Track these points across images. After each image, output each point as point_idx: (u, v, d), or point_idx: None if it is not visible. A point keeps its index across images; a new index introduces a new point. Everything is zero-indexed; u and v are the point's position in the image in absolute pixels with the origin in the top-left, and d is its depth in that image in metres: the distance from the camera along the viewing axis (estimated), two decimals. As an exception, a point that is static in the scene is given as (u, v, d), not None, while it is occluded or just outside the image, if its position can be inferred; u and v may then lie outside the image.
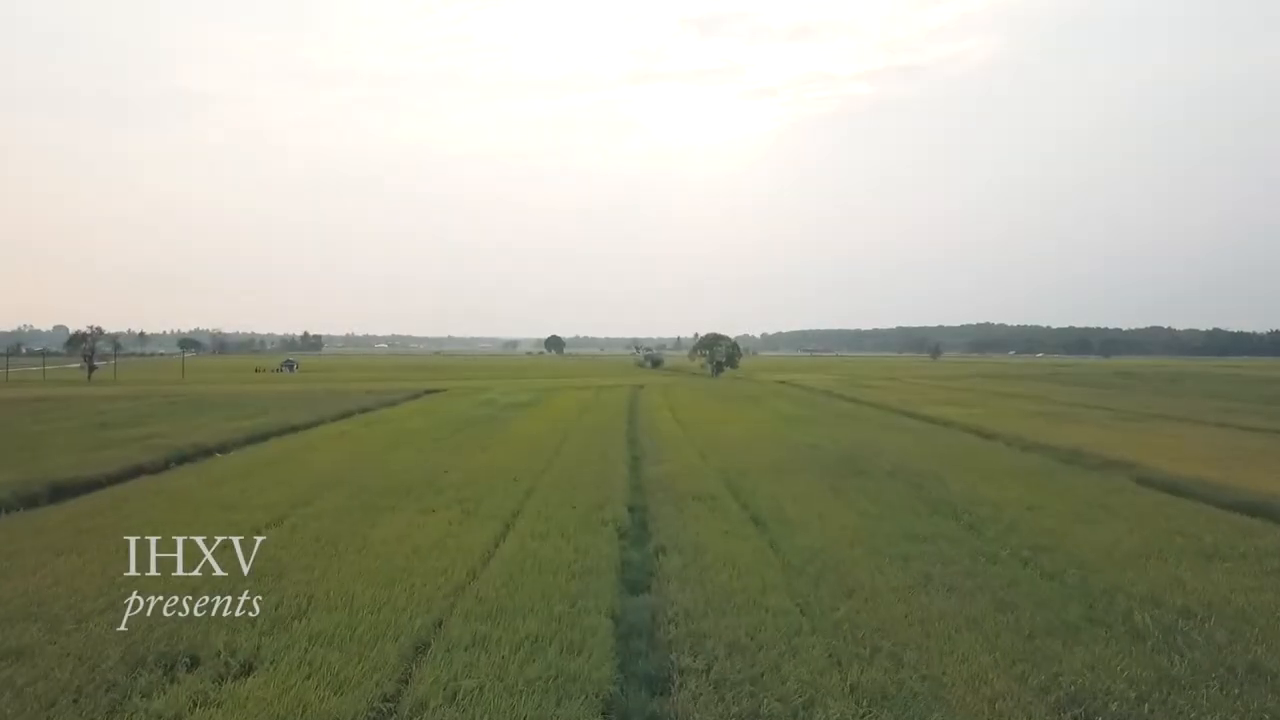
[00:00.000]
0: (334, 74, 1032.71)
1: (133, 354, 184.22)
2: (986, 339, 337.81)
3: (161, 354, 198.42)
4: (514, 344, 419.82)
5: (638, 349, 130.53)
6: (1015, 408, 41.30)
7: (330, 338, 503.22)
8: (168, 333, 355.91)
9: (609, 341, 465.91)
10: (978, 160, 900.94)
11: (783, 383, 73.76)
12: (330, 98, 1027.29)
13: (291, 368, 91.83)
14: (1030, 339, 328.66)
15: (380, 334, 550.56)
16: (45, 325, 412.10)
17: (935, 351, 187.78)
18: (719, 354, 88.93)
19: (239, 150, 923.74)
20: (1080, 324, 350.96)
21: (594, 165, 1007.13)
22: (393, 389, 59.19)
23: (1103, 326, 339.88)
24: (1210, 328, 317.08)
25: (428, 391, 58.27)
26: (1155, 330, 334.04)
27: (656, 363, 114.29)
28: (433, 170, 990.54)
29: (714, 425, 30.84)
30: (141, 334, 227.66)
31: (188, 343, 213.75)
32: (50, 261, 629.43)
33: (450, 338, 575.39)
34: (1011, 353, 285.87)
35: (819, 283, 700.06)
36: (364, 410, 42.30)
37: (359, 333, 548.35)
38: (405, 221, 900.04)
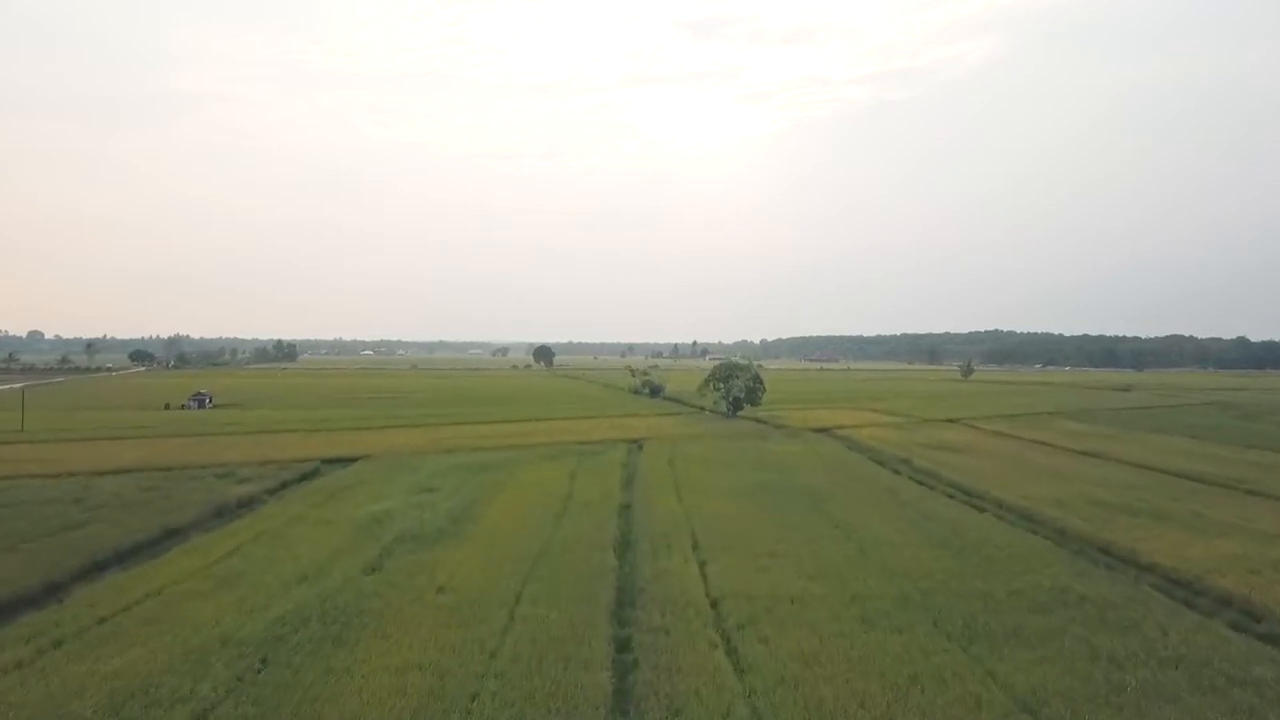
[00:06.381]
0: (331, 76, 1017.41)
1: (81, 369, 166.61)
2: (999, 348, 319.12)
3: (109, 368, 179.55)
4: (505, 350, 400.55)
5: (634, 373, 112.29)
6: None
7: (318, 342, 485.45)
8: (148, 337, 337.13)
9: (603, 347, 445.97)
10: (978, 163, 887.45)
11: (824, 430, 56.38)
12: (327, 100, 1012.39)
13: (201, 403, 74.42)
14: (1044, 347, 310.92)
15: (370, 339, 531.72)
16: (20, 330, 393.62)
17: (966, 370, 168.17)
18: (735, 388, 70.63)
19: (234, 152, 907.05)
20: (1093, 331, 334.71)
21: (590, 167, 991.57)
22: (284, 457, 41.86)
23: (1120, 335, 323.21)
24: (1233, 336, 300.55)
25: (329, 461, 40.99)
26: (1177, 339, 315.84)
27: (655, 390, 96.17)
28: (429, 172, 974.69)
29: (815, 675, 13.66)
30: (90, 343, 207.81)
31: (139, 354, 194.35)
32: (34, 263, 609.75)
33: (442, 342, 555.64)
34: (1038, 366, 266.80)
35: (819, 287, 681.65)
36: (167, 534, 25.08)
37: (348, 337, 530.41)
38: (400, 224, 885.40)
